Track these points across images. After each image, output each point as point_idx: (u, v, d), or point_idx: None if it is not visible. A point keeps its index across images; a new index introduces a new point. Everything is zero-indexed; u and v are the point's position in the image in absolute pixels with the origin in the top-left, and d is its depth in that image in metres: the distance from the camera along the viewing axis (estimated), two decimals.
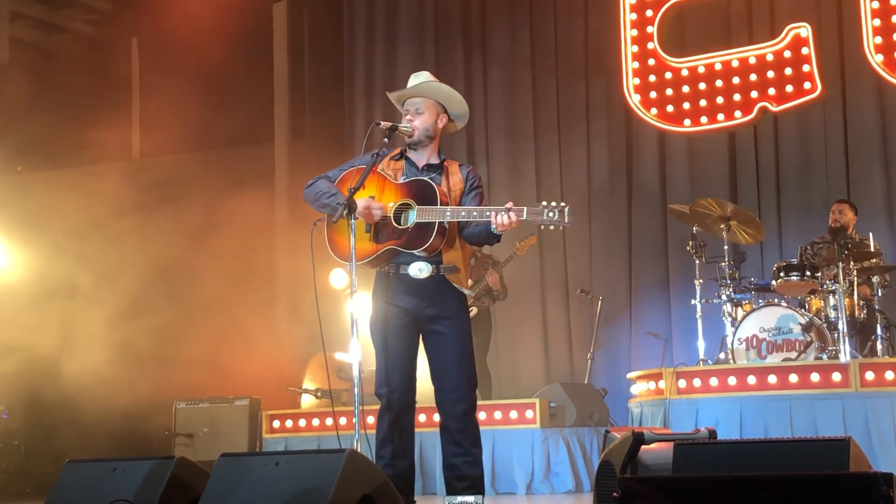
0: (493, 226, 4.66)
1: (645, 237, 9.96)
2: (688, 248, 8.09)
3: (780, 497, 3.13)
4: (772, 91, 9.04)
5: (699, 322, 7.92)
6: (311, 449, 6.60)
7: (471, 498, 4.83)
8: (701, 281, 8.02)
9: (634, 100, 9.54)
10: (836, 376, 6.69)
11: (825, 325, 7.47)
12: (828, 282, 7.58)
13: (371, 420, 5.80)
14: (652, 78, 9.49)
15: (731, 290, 7.86)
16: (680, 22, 9.84)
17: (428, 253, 4.82)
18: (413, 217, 4.81)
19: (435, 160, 5.03)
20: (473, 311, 8.43)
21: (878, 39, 8.67)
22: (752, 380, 6.89)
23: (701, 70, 9.37)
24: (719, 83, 9.26)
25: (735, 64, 9.24)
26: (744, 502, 3.18)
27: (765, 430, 6.73)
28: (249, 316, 9.95)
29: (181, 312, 9.68)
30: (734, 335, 7.63)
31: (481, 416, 7.27)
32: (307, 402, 8.81)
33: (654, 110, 9.49)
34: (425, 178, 4.91)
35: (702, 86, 9.33)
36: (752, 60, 9.18)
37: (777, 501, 3.13)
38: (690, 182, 9.82)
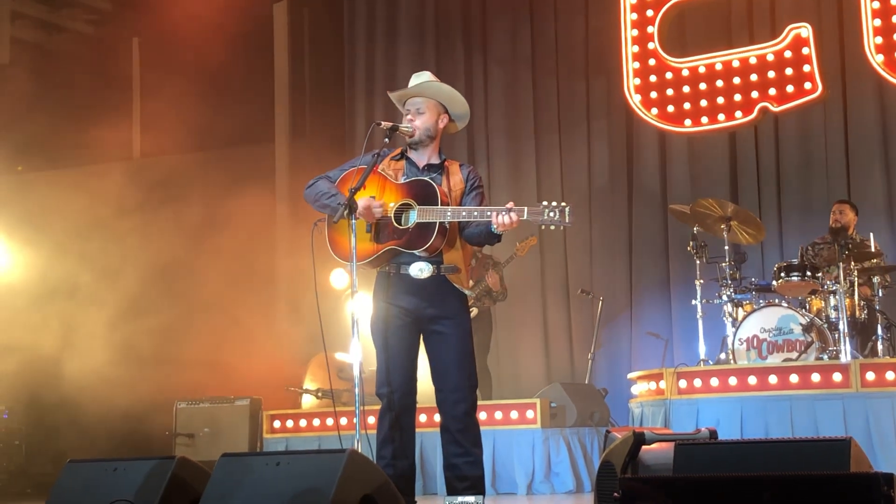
0: (494, 226, 4.66)
1: (645, 237, 9.96)
2: (688, 248, 8.09)
3: (781, 497, 3.13)
4: (772, 91, 9.04)
5: (700, 322, 7.92)
6: (312, 449, 6.60)
7: (471, 498, 4.83)
8: (701, 281, 8.02)
9: (635, 100, 9.54)
10: (837, 376, 6.70)
11: (826, 326, 7.47)
12: (828, 282, 7.58)
13: (372, 420, 5.80)
14: (653, 78, 9.49)
15: (731, 290, 7.86)
16: (680, 22, 9.84)
17: (429, 253, 4.82)
18: (414, 217, 4.81)
19: (435, 160, 5.02)
20: (474, 311, 8.43)
21: (879, 39, 8.67)
22: (752, 380, 6.90)
23: (701, 70, 9.37)
24: (720, 83, 9.26)
25: (736, 64, 9.24)
26: (745, 502, 3.18)
27: (765, 431, 6.73)
28: (250, 316, 9.96)
29: (182, 312, 9.69)
30: (735, 335, 7.63)
31: (482, 416, 7.27)
32: (308, 402, 8.81)
33: (654, 110, 9.49)
34: (426, 178, 4.91)
35: (702, 86, 9.33)
36: (753, 60, 9.18)
37: (778, 501, 3.13)
38: (691, 182, 9.82)
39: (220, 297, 9.83)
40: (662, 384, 7.18)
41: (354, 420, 4.63)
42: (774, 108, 9.08)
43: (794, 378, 6.80)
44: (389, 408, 4.85)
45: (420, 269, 4.84)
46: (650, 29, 9.54)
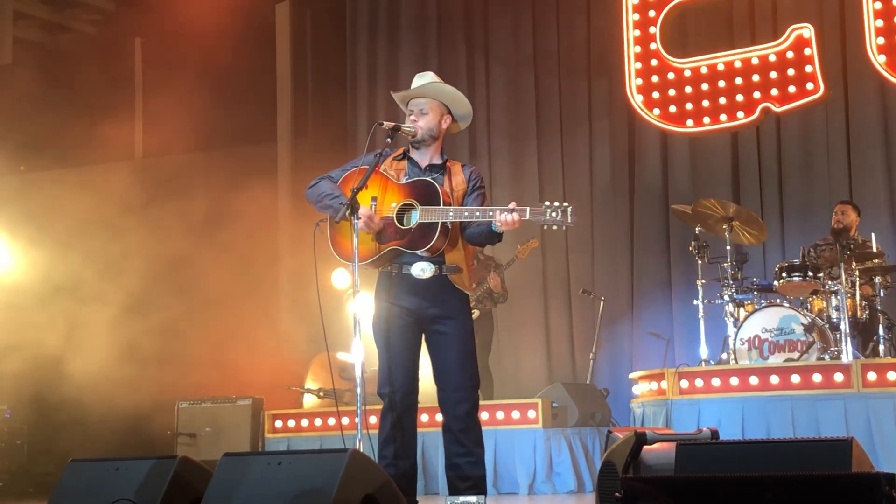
0: (496, 224, 4.67)
1: (647, 237, 9.96)
2: (690, 248, 8.09)
3: (783, 497, 3.13)
4: (774, 91, 9.04)
5: (701, 322, 7.92)
6: (314, 449, 6.60)
7: (473, 498, 4.83)
8: (703, 281, 8.03)
9: (637, 100, 9.54)
10: (839, 377, 6.70)
11: (827, 326, 7.47)
12: (830, 282, 7.58)
13: (373, 420, 5.81)
14: (654, 78, 9.50)
15: (733, 290, 7.87)
16: (682, 22, 9.84)
17: (431, 253, 4.82)
18: (416, 217, 4.81)
19: (437, 160, 5.03)
20: (476, 313, 8.43)
21: (881, 40, 8.67)
22: (754, 380, 6.90)
23: (703, 70, 9.38)
24: (722, 84, 9.26)
25: (738, 64, 9.24)
26: (746, 502, 3.19)
27: (767, 431, 6.73)
28: (252, 316, 9.96)
29: (184, 312, 9.69)
30: (736, 335, 7.63)
31: (483, 416, 7.27)
32: (309, 402, 8.82)
33: (656, 111, 9.49)
34: (428, 179, 4.91)
35: (704, 86, 9.33)
36: (755, 61, 9.18)
37: (779, 502, 3.13)
38: (693, 182, 9.82)
39: (223, 297, 9.83)
40: (664, 384, 7.18)
41: (356, 420, 4.64)
42: (776, 109, 9.08)
43: (795, 378, 6.80)
44: (391, 408, 4.86)
45: (422, 270, 4.84)
46: (652, 29, 9.55)
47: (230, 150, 11.16)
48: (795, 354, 7.39)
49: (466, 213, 4.78)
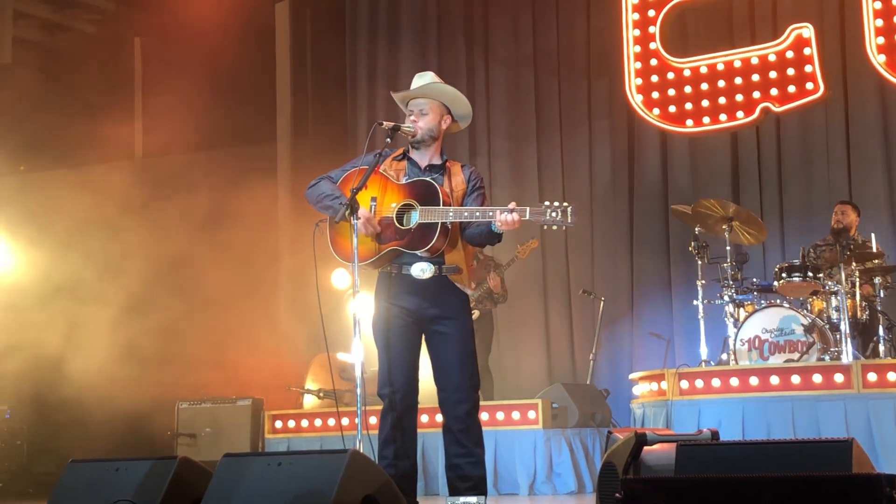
0: (496, 224, 4.66)
1: (647, 238, 9.96)
2: (690, 248, 8.10)
3: (783, 498, 3.13)
4: (774, 91, 9.04)
5: (701, 323, 7.92)
6: (314, 449, 6.60)
7: (473, 498, 4.83)
8: (703, 282, 8.03)
9: (636, 100, 9.54)
10: (839, 377, 6.70)
11: (827, 327, 7.47)
12: (830, 283, 7.57)
13: (373, 420, 5.80)
14: (654, 78, 9.50)
15: (733, 290, 7.86)
16: (682, 22, 9.84)
17: (430, 253, 4.82)
18: (416, 218, 4.81)
19: (437, 161, 5.03)
20: (476, 313, 8.43)
21: (881, 40, 8.67)
22: (754, 381, 6.90)
23: (703, 70, 9.37)
24: (721, 83, 9.26)
25: (737, 64, 9.24)
26: (746, 503, 3.18)
27: (767, 432, 6.73)
28: (252, 316, 9.96)
29: (184, 312, 9.69)
30: (736, 336, 7.63)
31: (483, 416, 7.27)
32: (309, 402, 8.81)
33: (656, 110, 9.49)
34: (428, 179, 4.91)
35: (704, 86, 9.33)
36: (755, 61, 9.18)
37: (779, 502, 3.13)
38: (692, 183, 9.81)
39: (223, 298, 9.83)
40: (664, 385, 7.18)
41: (356, 420, 4.63)
42: (776, 109, 9.08)
43: (795, 379, 6.80)
44: (391, 408, 4.85)
45: (422, 270, 4.84)
46: (652, 29, 9.54)
47: (230, 150, 11.16)
48: (795, 355, 7.39)
49: (466, 214, 4.78)
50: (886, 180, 9.18)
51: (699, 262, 8.04)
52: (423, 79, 5.03)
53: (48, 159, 11.14)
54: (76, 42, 12.18)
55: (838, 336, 7.28)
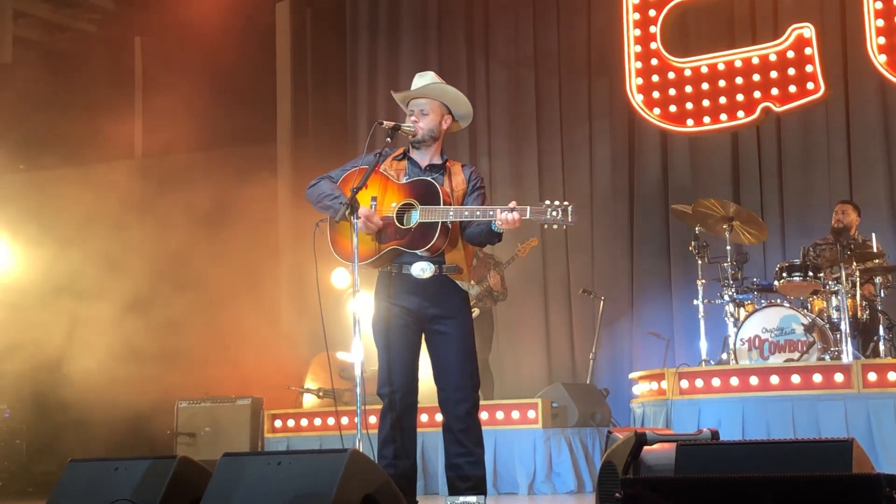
0: (496, 223, 4.66)
1: (647, 237, 9.95)
2: (690, 248, 8.09)
3: (783, 498, 3.13)
4: (775, 91, 9.05)
5: (701, 322, 7.92)
6: (313, 449, 6.59)
7: (473, 498, 4.83)
8: (703, 281, 8.02)
9: (637, 100, 9.54)
10: (839, 377, 6.69)
11: (827, 326, 7.46)
12: (830, 282, 7.57)
13: (373, 420, 5.80)
14: (655, 78, 9.50)
15: (733, 290, 7.86)
16: (683, 22, 9.84)
17: (431, 253, 4.82)
18: (416, 217, 4.81)
19: (437, 160, 5.02)
20: (476, 312, 8.43)
21: (882, 40, 8.67)
22: (754, 380, 6.89)
23: (704, 70, 9.38)
24: (722, 83, 9.27)
25: (738, 64, 9.24)
26: (746, 503, 3.18)
27: (767, 431, 6.73)
28: (252, 316, 9.96)
29: (184, 312, 9.69)
30: (736, 335, 7.62)
31: (483, 416, 7.27)
32: (309, 401, 8.81)
33: (656, 110, 9.49)
34: (428, 178, 4.91)
35: (705, 86, 9.33)
36: (756, 60, 9.19)
37: (780, 502, 3.13)
38: (693, 182, 9.81)
39: (223, 298, 9.83)
40: (664, 384, 7.18)
41: (356, 420, 4.63)
42: (777, 108, 9.08)
43: (795, 378, 6.80)
44: (391, 408, 4.85)
45: (422, 269, 4.84)
46: (652, 29, 9.55)
47: (230, 150, 11.16)
48: (796, 355, 7.38)
49: (467, 213, 4.78)
50: (887, 180, 9.18)
51: (699, 262, 8.03)
52: (424, 79, 5.03)
53: (48, 159, 11.14)
54: (76, 42, 12.18)
55: (838, 336, 7.27)
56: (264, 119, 11.36)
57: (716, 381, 7.01)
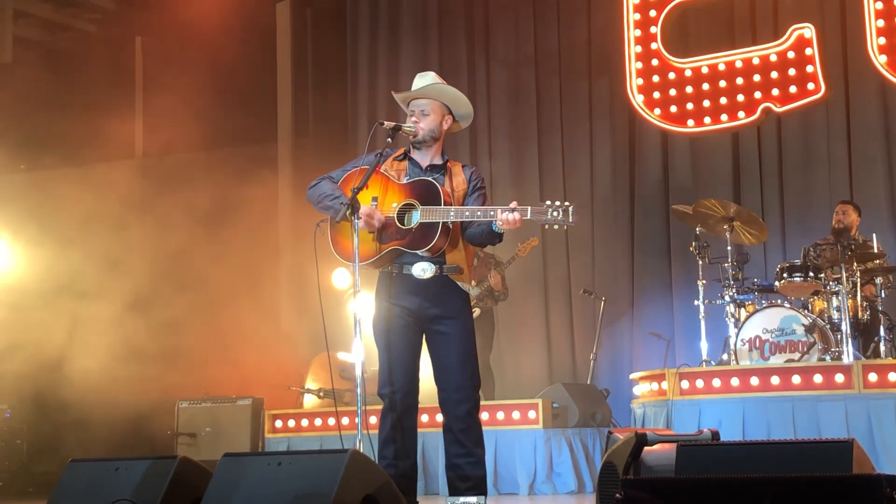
0: (497, 223, 4.66)
1: (648, 237, 9.95)
2: (691, 248, 8.09)
3: (783, 498, 3.13)
4: (775, 91, 9.04)
5: (702, 323, 7.92)
6: (314, 449, 6.59)
7: (473, 498, 4.83)
8: (704, 282, 8.02)
9: (638, 100, 9.54)
10: (839, 378, 6.69)
11: (828, 327, 7.46)
12: (831, 283, 7.57)
13: (373, 420, 5.80)
14: (655, 78, 9.50)
15: (734, 290, 7.86)
16: (683, 22, 9.83)
17: (431, 253, 4.82)
18: (417, 217, 4.80)
19: (438, 161, 5.02)
20: (477, 311, 8.44)
21: (882, 40, 8.66)
22: (754, 381, 6.89)
23: (704, 70, 9.37)
24: (723, 84, 9.26)
25: (738, 64, 9.24)
26: None
27: (767, 432, 6.73)
28: (253, 316, 9.96)
29: (184, 312, 9.69)
30: (737, 336, 7.62)
31: (484, 416, 7.26)
32: (310, 402, 8.81)
33: (657, 111, 9.49)
34: (429, 179, 4.90)
35: (705, 86, 9.33)
36: (756, 61, 9.18)
37: (780, 503, 3.13)
38: (693, 183, 9.81)
39: (223, 298, 9.83)
40: (664, 385, 7.18)
41: (356, 420, 4.63)
42: (777, 109, 9.08)
43: (796, 379, 6.80)
44: (391, 408, 4.85)
45: (423, 270, 4.83)
46: (653, 29, 9.54)
47: (230, 150, 11.16)
48: (796, 355, 7.38)
49: (468, 213, 4.78)
50: (887, 180, 9.17)
51: (700, 262, 8.03)
52: (425, 79, 5.03)
53: (49, 158, 11.14)
54: (77, 41, 12.19)
55: (839, 336, 7.27)
56: (265, 119, 11.36)
57: (716, 382, 7.01)
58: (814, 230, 8.88)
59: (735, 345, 7.60)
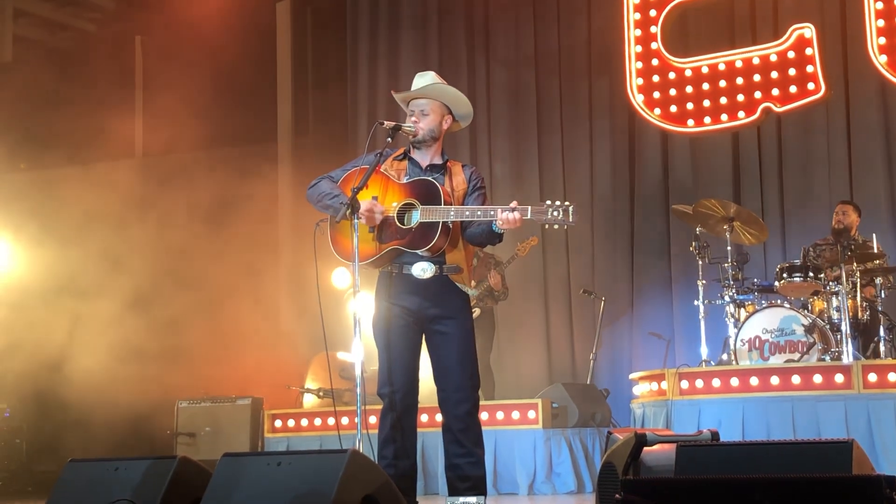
0: (497, 223, 4.66)
1: (647, 237, 9.95)
2: (691, 248, 8.09)
3: (783, 499, 3.13)
4: (775, 91, 9.04)
5: (702, 323, 7.92)
6: (314, 449, 6.59)
7: (473, 498, 4.83)
8: (704, 282, 8.02)
9: (638, 100, 9.54)
10: (839, 378, 6.69)
11: (828, 327, 7.46)
12: (831, 283, 7.57)
13: (373, 420, 5.80)
14: (655, 78, 9.50)
15: (733, 290, 7.86)
16: (683, 22, 9.83)
17: (431, 253, 4.82)
18: (417, 217, 4.80)
19: (438, 160, 5.02)
20: (477, 311, 8.44)
21: (882, 40, 8.66)
22: (754, 381, 6.89)
23: (704, 70, 9.37)
24: (723, 83, 9.26)
25: (739, 64, 9.24)
26: None
27: (767, 432, 6.73)
28: (253, 315, 9.96)
29: (184, 312, 9.69)
30: (737, 336, 7.62)
31: (483, 416, 7.27)
32: (309, 401, 8.81)
33: (657, 110, 9.49)
34: (429, 178, 4.90)
35: (705, 86, 9.33)
36: (756, 61, 9.18)
37: (779, 503, 3.13)
38: (693, 182, 9.81)
39: (223, 297, 9.83)
40: (664, 385, 7.17)
41: (356, 420, 4.63)
42: (777, 109, 9.08)
43: (796, 379, 6.80)
44: (391, 408, 4.85)
45: (423, 269, 4.83)
46: (653, 29, 9.54)
47: (230, 149, 11.16)
48: (796, 355, 7.38)
49: (468, 213, 4.78)
50: (887, 180, 9.17)
51: (700, 262, 8.04)
52: (425, 79, 5.03)
53: (49, 158, 11.14)
54: (77, 41, 12.19)
55: (839, 336, 7.27)
56: (265, 118, 11.36)
57: (716, 382, 7.01)
58: (814, 230, 8.87)
59: (735, 345, 7.60)
